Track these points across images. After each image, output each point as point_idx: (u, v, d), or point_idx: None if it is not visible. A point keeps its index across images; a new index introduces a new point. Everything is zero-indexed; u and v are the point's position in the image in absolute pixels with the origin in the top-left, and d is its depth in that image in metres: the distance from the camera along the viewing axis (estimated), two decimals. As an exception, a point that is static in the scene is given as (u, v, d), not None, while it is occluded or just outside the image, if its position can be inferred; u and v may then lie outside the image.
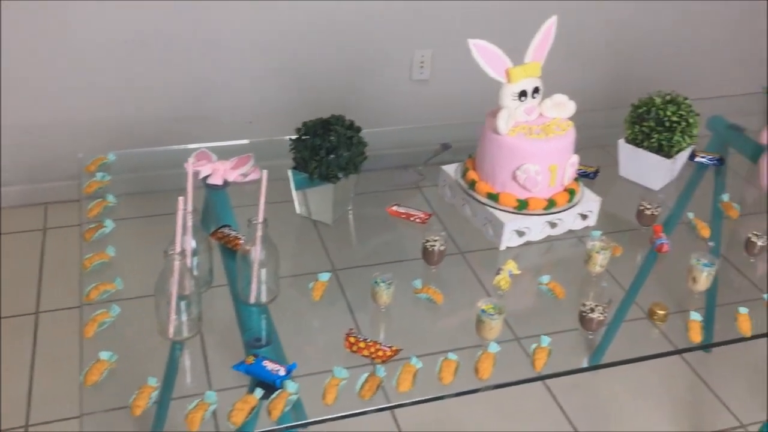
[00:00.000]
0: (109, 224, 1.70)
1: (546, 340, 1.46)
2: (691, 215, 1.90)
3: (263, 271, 1.49)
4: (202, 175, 1.91)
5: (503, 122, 1.72)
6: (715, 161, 2.16)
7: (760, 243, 1.76)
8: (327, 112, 1.82)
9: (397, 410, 2.32)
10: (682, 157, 2.03)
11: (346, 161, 1.69)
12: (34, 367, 2.45)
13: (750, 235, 1.77)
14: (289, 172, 1.77)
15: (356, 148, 1.71)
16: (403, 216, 1.84)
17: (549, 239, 1.81)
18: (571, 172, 1.80)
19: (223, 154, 1.96)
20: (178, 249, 1.36)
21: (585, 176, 2.04)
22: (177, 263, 1.36)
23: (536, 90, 1.78)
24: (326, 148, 1.68)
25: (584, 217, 1.84)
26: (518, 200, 1.75)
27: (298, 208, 1.83)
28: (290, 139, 1.75)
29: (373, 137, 2.31)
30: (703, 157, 2.17)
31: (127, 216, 1.78)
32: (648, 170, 2.01)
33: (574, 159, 1.79)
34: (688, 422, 2.48)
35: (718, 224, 1.96)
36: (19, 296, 2.73)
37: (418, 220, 1.83)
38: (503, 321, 1.47)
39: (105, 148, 2.00)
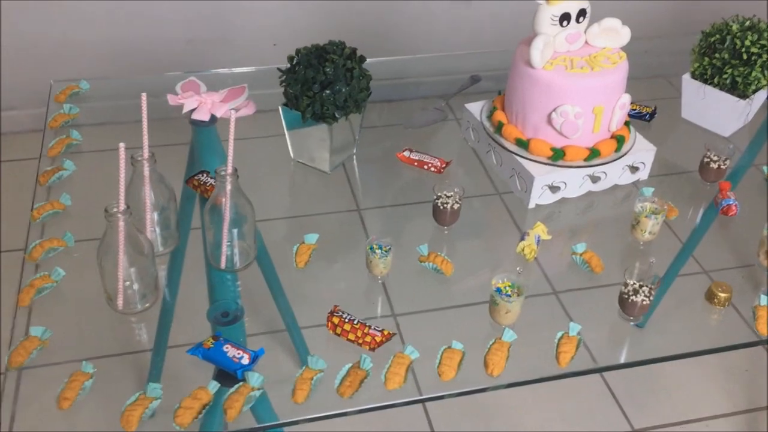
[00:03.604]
0: (69, 166, 1.46)
1: (575, 328, 1.19)
2: (766, 170, 1.56)
3: (235, 232, 1.24)
4: (186, 109, 1.65)
5: (538, 52, 1.40)
6: (800, 102, 1.80)
7: None
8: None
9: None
10: (760, 97, 1.68)
11: (345, 98, 1.40)
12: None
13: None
14: (280, 109, 1.50)
15: (357, 83, 1.42)
16: (416, 163, 1.56)
17: (590, 196, 1.51)
18: (621, 116, 1.48)
19: (238, 82, 1.68)
20: (121, 206, 1.11)
21: (639, 118, 1.72)
22: (121, 223, 1.12)
23: (582, 13, 1.45)
24: (320, 82, 1.39)
25: (634, 169, 1.53)
26: (553, 149, 1.44)
27: (292, 152, 1.56)
28: (279, 69, 1.47)
29: (396, 66, 2.01)
30: (784, 97, 1.82)
31: (94, 152, 1.54)
32: (717, 112, 1.67)
33: (625, 99, 1.46)
34: (743, 395, 2.19)
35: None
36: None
37: (433, 169, 1.54)
38: (522, 302, 1.19)
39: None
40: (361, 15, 3.08)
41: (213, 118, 1.63)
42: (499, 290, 1.19)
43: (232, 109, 1.66)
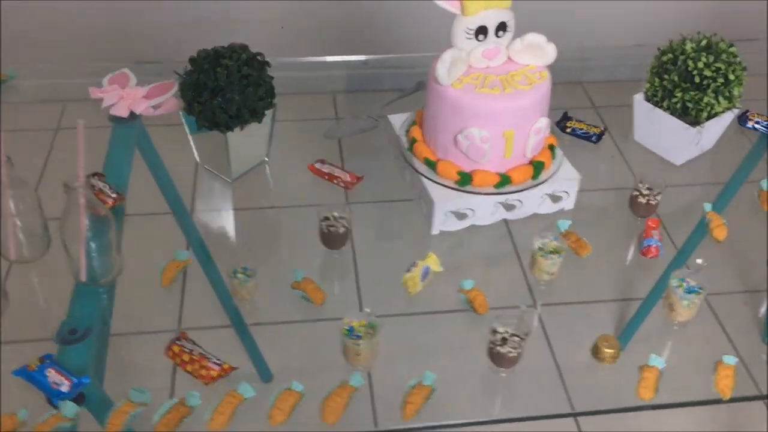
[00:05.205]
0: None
1: (430, 377, 1.09)
2: (707, 207, 1.41)
3: (93, 245, 1.19)
4: (105, 104, 1.60)
5: (444, 68, 1.29)
6: (772, 129, 1.64)
7: (788, 260, 1.28)
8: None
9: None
10: (717, 124, 1.52)
11: (238, 107, 1.33)
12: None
13: (776, 248, 1.29)
14: (181, 114, 1.43)
15: (255, 91, 1.34)
16: (326, 177, 1.47)
17: (504, 225, 1.40)
18: (537, 141, 1.35)
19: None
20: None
21: (586, 139, 1.59)
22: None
23: (502, 27, 1.33)
24: (212, 88, 1.32)
25: (557, 198, 1.41)
26: (460, 173, 1.34)
27: (197, 157, 1.49)
28: (176, 72, 1.40)
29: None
30: (757, 122, 1.65)
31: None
32: (668, 138, 1.53)
33: (542, 124, 1.34)
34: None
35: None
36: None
37: (342, 184, 1.46)
38: (376, 345, 1.10)
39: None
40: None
41: (132, 114, 1.59)
42: (351, 330, 1.10)
43: (152, 106, 1.61)
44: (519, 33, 1.35)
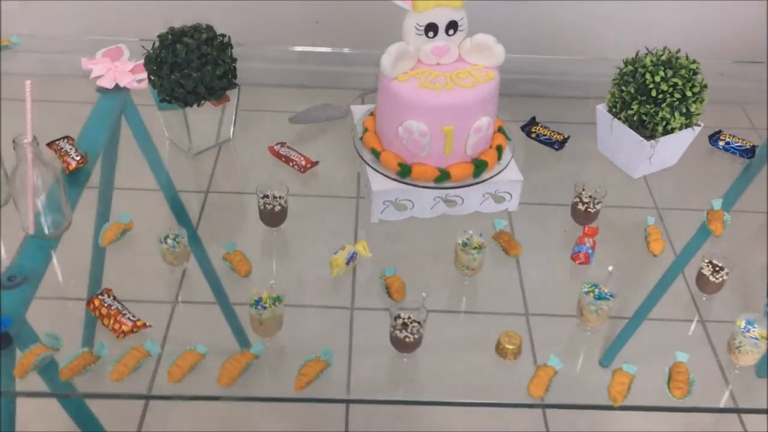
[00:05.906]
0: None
1: (327, 354, 1.13)
2: (651, 220, 1.41)
3: (41, 199, 1.27)
4: (94, 75, 1.70)
5: (389, 61, 1.33)
6: (741, 151, 1.62)
7: (713, 279, 1.27)
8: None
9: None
10: (675, 141, 1.51)
11: (195, 84, 1.39)
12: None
13: (702, 265, 1.28)
14: (150, 88, 1.51)
15: (213, 69, 1.40)
16: (283, 159, 1.53)
17: (445, 220, 1.42)
18: (479, 139, 1.37)
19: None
20: None
21: (549, 145, 1.61)
22: None
23: (452, 25, 1.36)
24: (170, 63, 1.39)
25: (500, 198, 1.42)
26: (400, 164, 1.37)
27: (165, 131, 1.57)
28: (143, 47, 1.47)
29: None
30: (728, 143, 1.63)
31: None
32: (624, 150, 1.53)
33: (482, 123, 1.36)
34: None
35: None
36: None
37: (296, 167, 1.51)
38: (280, 317, 1.15)
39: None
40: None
41: (117, 86, 1.68)
42: (259, 300, 1.15)
43: (137, 80, 1.70)
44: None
